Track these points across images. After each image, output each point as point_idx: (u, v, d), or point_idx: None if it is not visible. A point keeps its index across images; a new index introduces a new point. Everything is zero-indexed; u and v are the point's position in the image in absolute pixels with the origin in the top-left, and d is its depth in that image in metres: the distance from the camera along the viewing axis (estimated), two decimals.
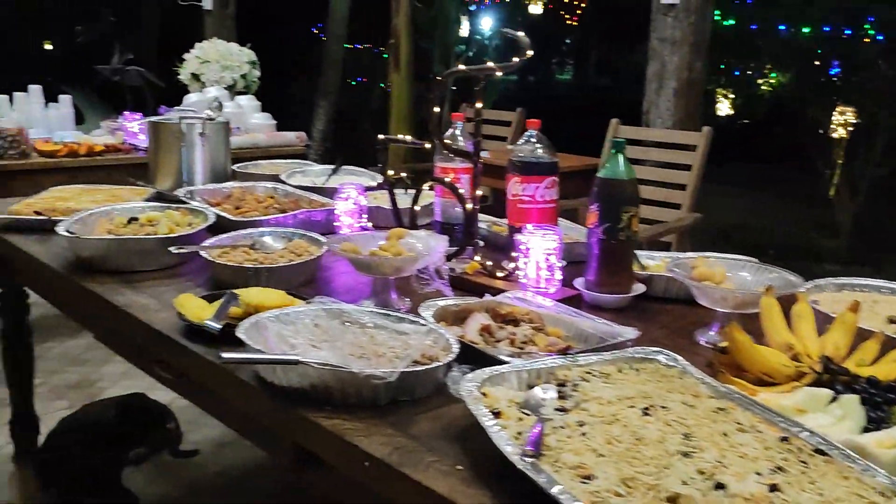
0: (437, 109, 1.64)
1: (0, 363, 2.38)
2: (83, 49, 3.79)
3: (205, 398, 1.39)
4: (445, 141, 1.67)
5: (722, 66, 9.73)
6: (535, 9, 11.17)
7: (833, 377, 1.03)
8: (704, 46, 3.57)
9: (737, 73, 10.29)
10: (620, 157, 1.48)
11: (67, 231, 1.68)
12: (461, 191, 1.66)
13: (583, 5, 13.04)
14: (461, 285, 1.59)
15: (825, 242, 6.11)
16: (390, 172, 1.78)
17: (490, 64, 1.52)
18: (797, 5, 8.12)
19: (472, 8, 9.63)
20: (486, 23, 11.16)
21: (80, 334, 3.46)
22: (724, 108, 10.08)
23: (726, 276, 1.39)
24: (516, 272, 1.57)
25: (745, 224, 6.48)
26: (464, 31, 8.96)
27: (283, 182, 2.38)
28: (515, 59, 1.48)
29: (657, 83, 3.63)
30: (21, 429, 2.35)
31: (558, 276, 1.53)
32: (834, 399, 0.99)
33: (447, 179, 1.69)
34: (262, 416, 1.19)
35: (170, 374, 1.44)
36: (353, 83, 10.35)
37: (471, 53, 8.68)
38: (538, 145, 1.65)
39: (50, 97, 3.76)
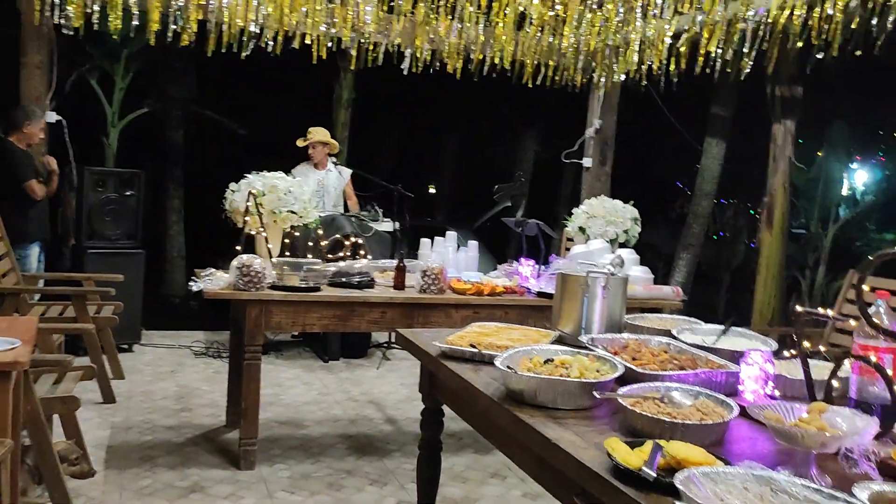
0: (865, 288, 1.64)
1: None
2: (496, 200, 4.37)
3: None
4: (873, 320, 1.66)
5: None
6: None
7: None
8: None
9: None
10: None
11: (507, 366, 1.96)
12: (889, 372, 1.62)
13: None
14: (885, 470, 1.53)
15: None
16: (806, 344, 1.80)
17: None
18: None
19: (855, 165, 9.11)
20: (865, 178, 10.40)
21: (461, 453, 3.84)
22: None
23: None
24: None
25: None
26: (844, 189, 8.49)
27: (675, 338, 2.49)
28: None
29: None
30: None
31: None
32: None
33: (873, 358, 1.66)
34: None
35: None
36: (715, 237, 10.31)
37: (845, 212, 8.16)
38: None
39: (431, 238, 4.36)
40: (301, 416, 4.33)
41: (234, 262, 3.30)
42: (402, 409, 4.54)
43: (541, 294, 3.80)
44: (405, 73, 5.55)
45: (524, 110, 11.83)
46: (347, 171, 6.11)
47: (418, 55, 5.49)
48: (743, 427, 1.79)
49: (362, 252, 4.24)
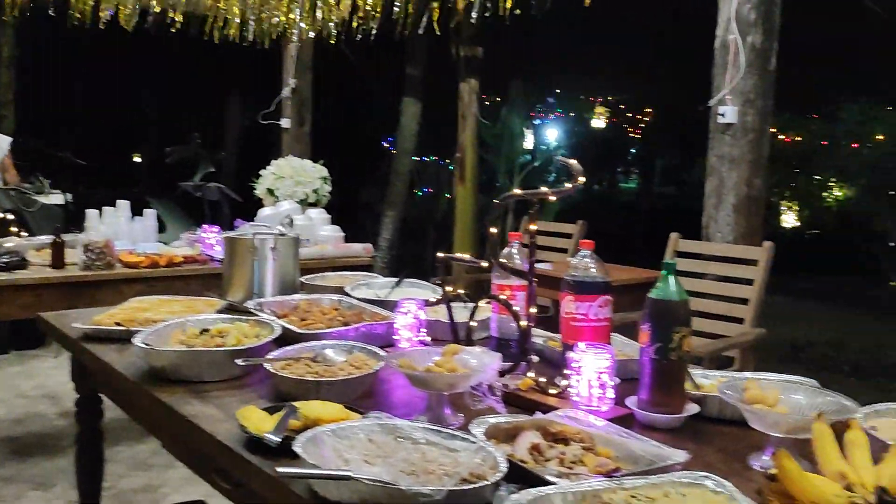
0: (493, 230, 1.71)
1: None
2: (170, 164, 4.06)
3: None
4: (501, 260, 1.73)
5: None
6: (598, 122, 11.48)
7: None
8: (763, 163, 3.61)
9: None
10: (671, 279, 1.51)
11: (143, 343, 1.78)
12: (516, 308, 1.71)
13: (646, 119, 13.35)
14: (515, 401, 1.61)
15: None
16: (448, 288, 1.85)
17: (544, 189, 1.60)
18: (860, 122, 8.24)
19: (537, 122, 9.97)
20: (551, 134, 11.51)
21: (148, 439, 3.55)
22: (789, 219, 10.02)
23: (780, 398, 1.38)
24: (568, 390, 1.59)
25: (816, 340, 6.29)
26: (528, 143, 9.25)
27: (348, 294, 2.47)
28: (568, 185, 1.56)
29: (716, 199, 3.66)
30: None
31: (610, 394, 1.54)
32: None
33: (503, 296, 1.75)
34: None
35: (227, 484, 1.49)
36: (420, 193, 10.72)
37: (536, 164, 8.93)
38: (591, 265, 1.70)
39: (136, 209, 4.01)
40: None
41: None
42: None
43: None
44: (69, 25, 4.95)
45: (228, 72, 11.27)
46: (5, 140, 5.32)
47: (80, 5, 4.91)
48: (399, 377, 1.79)
49: (14, 229, 3.71)
